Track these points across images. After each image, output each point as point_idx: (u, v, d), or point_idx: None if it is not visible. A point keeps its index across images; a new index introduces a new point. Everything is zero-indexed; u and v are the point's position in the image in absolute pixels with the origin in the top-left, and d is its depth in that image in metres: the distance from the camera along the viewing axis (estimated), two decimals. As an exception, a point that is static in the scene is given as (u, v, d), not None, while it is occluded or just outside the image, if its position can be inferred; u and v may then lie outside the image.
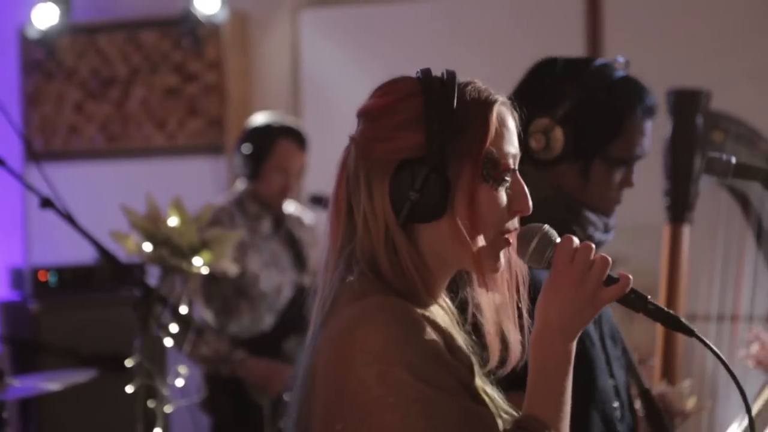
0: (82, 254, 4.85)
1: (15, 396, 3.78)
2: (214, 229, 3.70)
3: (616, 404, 2.31)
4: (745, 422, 2.32)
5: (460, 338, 1.70)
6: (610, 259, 1.64)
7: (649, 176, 3.83)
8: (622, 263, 4.42)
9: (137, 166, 5.83)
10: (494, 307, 1.75)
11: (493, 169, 1.66)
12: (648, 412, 2.51)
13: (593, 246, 1.65)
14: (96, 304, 5.02)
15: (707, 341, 1.66)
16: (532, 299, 1.75)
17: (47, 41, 5.81)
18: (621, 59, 2.51)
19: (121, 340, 3.93)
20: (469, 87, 1.69)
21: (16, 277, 5.18)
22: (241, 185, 4.39)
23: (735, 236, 3.45)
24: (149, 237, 3.29)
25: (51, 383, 3.46)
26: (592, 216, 2.38)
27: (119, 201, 3.48)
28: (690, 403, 2.72)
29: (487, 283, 1.72)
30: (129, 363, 3.20)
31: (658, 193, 3.27)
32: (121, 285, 4.81)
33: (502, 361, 1.75)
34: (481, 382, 1.70)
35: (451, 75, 1.69)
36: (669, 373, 3.12)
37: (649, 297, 1.66)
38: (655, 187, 3.31)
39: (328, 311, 1.67)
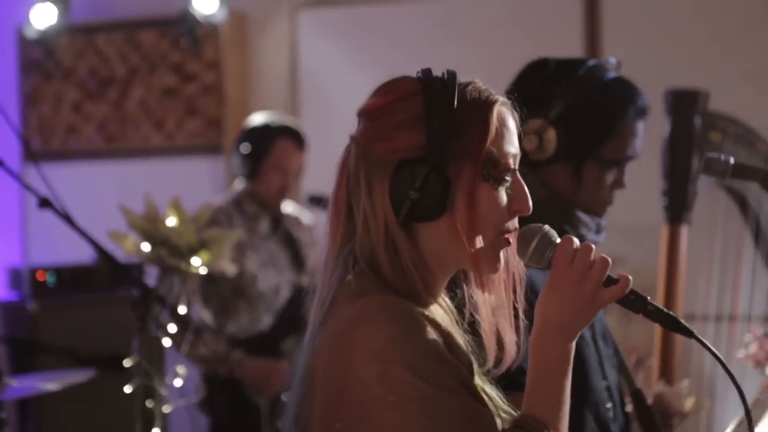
0: (81, 254, 4.85)
1: (13, 396, 3.78)
2: (212, 229, 3.70)
3: (609, 405, 2.32)
4: (741, 421, 2.32)
5: (460, 337, 1.70)
6: (610, 259, 1.65)
7: (647, 176, 3.84)
8: (619, 263, 4.42)
9: (135, 166, 5.83)
10: (491, 307, 1.75)
11: (494, 168, 1.66)
12: (639, 412, 2.52)
13: (593, 247, 1.65)
14: (94, 304, 5.02)
15: (706, 342, 1.66)
16: (528, 300, 1.75)
17: (45, 41, 5.81)
18: (613, 60, 2.52)
19: (119, 340, 3.94)
20: (470, 87, 1.69)
21: (15, 277, 5.18)
22: (239, 185, 4.39)
23: (733, 236, 3.45)
24: (147, 237, 3.29)
25: (49, 383, 3.46)
26: (584, 217, 2.38)
27: (117, 201, 3.48)
28: (688, 403, 2.72)
29: (484, 283, 1.73)
30: (127, 363, 3.20)
31: (656, 193, 3.27)
32: (120, 285, 4.82)
33: (498, 361, 1.76)
34: (480, 381, 1.70)
35: (452, 75, 1.69)
36: (667, 373, 3.12)
37: (648, 298, 1.66)
38: (653, 187, 3.32)
39: (326, 310, 1.67)
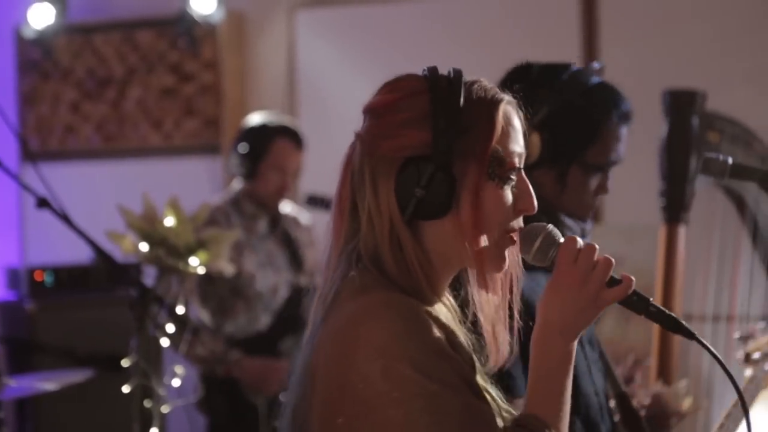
0: (79, 254, 4.85)
1: (11, 396, 3.78)
2: (210, 229, 3.70)
3: (599, 409, 2.32)
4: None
5: (462, 336, 1.70)
6: (613, 260, 1.65)
7: (645, 177, 3.84)
8: (618, 263, 4.41)
9: (133, 166, 5.83)
10: (493, 306, 1.75)
11: (499, 167, 1.66)
12: (624, 415, 2.52)
13: (597, 247, 1.65)
14: (92, 304, 5.02)
15: (708, 345, 1.66)
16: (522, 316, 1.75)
17: (43, 41, 5.81)
18: (597, 65, 2.52)
19: (117, 340, 3.94)
20: (476, 85, 1.69)
21: (13, 277, 5.18)
22: (237, 185, 4.39)
23: (731, 236, 3.45)
24: (145, 237, 3.29)
25: (47, 383, 3.46)
26: (569, 221, 2.38)
27: (115, 201, 3.48)
28: (686, 403, 2.73)
29: (488, 282, 1.72)
30: (125, 363, 3.20)
31: (654, 193, 3.27)
32: (118, 285, 4.82)
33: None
34: (482, 380, 1.70)
35: (458, 73, 1.69)
36: (665, 373, 3.12)
37: (651, 299, 1.66)
38: (651, 187, 3.32)
39: (329, 306, 1.68)
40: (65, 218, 3.19)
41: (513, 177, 1.69)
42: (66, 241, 3.99)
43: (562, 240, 1.68)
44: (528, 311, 1.75)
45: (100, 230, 3.37)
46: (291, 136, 4.36)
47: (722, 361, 1.68)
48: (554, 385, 1.65)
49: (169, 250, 3.28)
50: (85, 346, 4.71)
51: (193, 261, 3.29)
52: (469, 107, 1.66)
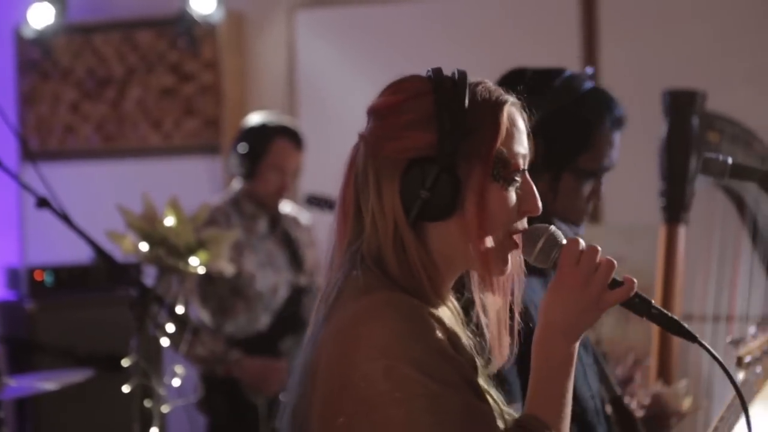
0: (78, 254, 4.85)
1: (11, 396, 3.78)
2: (210, 229, 3.70)
3: (594, 413, 2.32)
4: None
5: (464, 338, 1.70)
6: (615, 262, 1.65)
7: (645, 177, 3.84)
8: (617, 263, 4.41)
9: (133, 166, 5.83)
10: (496, 308, 1.75)
11: (504, 169, 1.66)
12: (619, 418, 2.52)
13: (599, 249, 1.65)
14: (92, 303, 5.02)
15: (710, 348, 1.66)
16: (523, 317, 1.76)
17: (43, 41, 5.81)
18: (589, 70, 2.51)
19: (117, 339, 3.93)
20: (480, 87, 1.69)
21: (12, 277, 5.18)
22: (237, 185, 4.39)
23: (730, 236, 3.46)
24: (146, 237, 3.29)
25: (47, 383, 3.46)
26: (562, 226, 2.38)
27: (115, 201, 3.48)
28: (686, 403, 2.73)
29: (494, 285, 1.72)
30: (125, 363, 3.20)
31: (654, 193, 3.28)
32: (118, 285, 4.81)
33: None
34: (483, 383, 1.70)
35: (463, 75, 1.69)
36: (665, 373, 3.13)
37: (653, 301, 1.66)
38: (651, 187, 3.32)
39: (331, 305, 1.67)
40: (65, 218, 3.19)
41: (517, 178, 1.68)
42: (66, 241, 3.99)
43: (564, 241, 1.68)
44: (522, 315, 1.75)
45: (99, 230, 3.37)
46: (290, 136, 4.36)
47: (723, 363, 1.68)
48: (556, 387, 1.65)
49: (169, 250, 3.28)
50: (85, 346, 4.71)
51: (193, 261, 3.29)
52: (473, 109, 1.66)
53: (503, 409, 1.71)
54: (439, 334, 1.61)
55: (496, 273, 1.69)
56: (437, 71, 1.70)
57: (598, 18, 5.17)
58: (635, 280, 1.65)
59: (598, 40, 5.16)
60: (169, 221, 3.30)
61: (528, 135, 1.72)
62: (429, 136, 1.65)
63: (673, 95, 3.25)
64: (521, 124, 1.71)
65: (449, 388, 1.57)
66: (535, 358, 1.66)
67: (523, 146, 1.70)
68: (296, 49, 5.67)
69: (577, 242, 1.66)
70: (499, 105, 1.68)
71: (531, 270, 1.76)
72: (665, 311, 1.67)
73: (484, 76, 1.76)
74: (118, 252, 3.35)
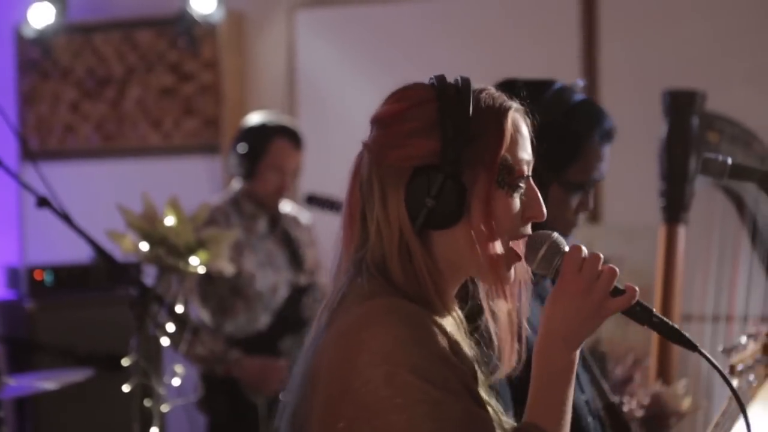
0: (78, 253, 4.86)
1: (11, 395, 3.78)
2: (209, 228, 3.70)
3: (589, 419, 2.32)
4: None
5: (467, 347, 1.70)
6: (617, 270, 1.65)
7: (644, 177, 3.84)
8: (618, 264, 4.42)
9: (133, 165, 5.83)
10: (505, 314, 1.74)
11: (508, 175, 1.66)
12: (613, 423, 2.52)
13: (602, 256, 1.65)
14: (92, 303, 5.02)
15: (710, 357, 1.67)
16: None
17: (43, 40, 5.81)
18: (580, 82, 2.51)
19: (117, 339, 3.93)
20: (484, 94, 1.69)
21: (12, 276, 5.18)
22: (236, 185, 4.39)
23: (730, 237, 3.46)
24: (146, 236, 3.29)
25: (47, 382, 3.46)
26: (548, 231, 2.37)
27: (115, 200, 3.48)
28: (685, 403, 2.73)
29: (503, 291, 1.72)
30: (125, 362, 3.20)
31: (654, 193, 3.28)
32: (118, 284, 4.82)
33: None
34: (484, 393, 1.70)
35: (466, 82, 1.69)
36: (664, 373, 3.13)
37: (654, 310, 1.67)
38: (651, 187, 3.33)
39: (334, 310, 1.67)
40: (65, 217, 3.19)
41: (522, 185, 1.68)
42: (66, 241, 3.99)
43: (567, 248, 1.67)
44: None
45: (99, 229, 3.37)
46: (290, 136, 4.36)
47: (722, 371, 1.68)
48: (556, 394, 1.65)
49: (169, 250, 3.28)
50: (85, 346, 4.71)
51: (193, 260, 3.29)
52: (477, 116, 1.66)
53: (502, 419, 1.71)
54: (441, 341, 1.61)
55: (502, 279, 1.69)
56: (440, 78, 1.70)
57: (598, 18, 5.18)
58: (637, 289, 1.65)
59: (598, 40, 5.16)
60: (169, 221, 3.30)
61: (531, 141, 1.72)
62: (433, 143, 1.65)
63: (672, 95, 3.26)
64: (525, 130, 1.71)
65: (450, 395, 1.57)
66: (536, 366, 1.66)
67: (527, 152, 1.70)
68: (296, 49, 5.67)
69: (580, 249, 1.66)
70: (503, 111, 1.68)
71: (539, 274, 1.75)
72: (666, 320, 1.67)
73: (484, 75, 1.77)
74: (118, 251, 3.35)
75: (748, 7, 4.99)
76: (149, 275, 4.21)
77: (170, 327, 3.29)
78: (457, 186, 1.63)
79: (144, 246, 3.28)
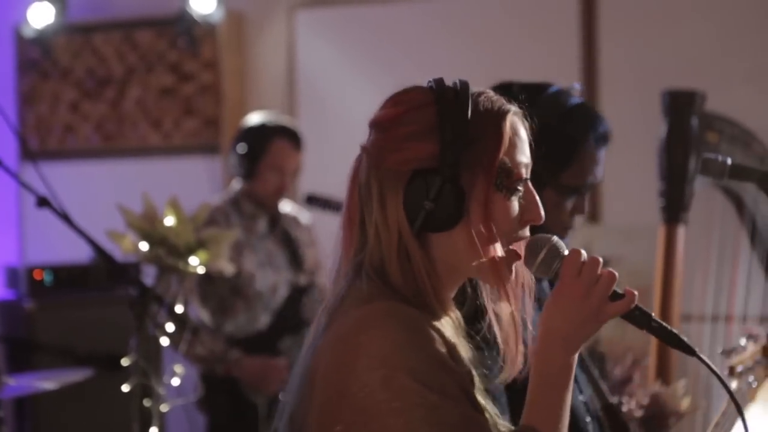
0: (78, 253, 4.85)
1: (10, 395, 3.78)
2: (209, 228, 3.70)
3: (587, 419, 2.32)
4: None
5: (464, 350, 1.70)
6: (617, 274, 1.65)
7: (644, 177, 3.84)
8: (617, 264, 4.44)
9: (133, 165, 5.83)
10: (508, 317, 1.74)
11: (507, 178, 1.66)
12: (612, 424, 2.52)
13: (601, 260, 1.65)
14: (92, 303, 5.02)
15: (708, 361, 1.67)
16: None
17: (43, 40, 5.81)
18: (577, 85, 2.50)
19: (116, 339, 3.94)
20: (482, 97, 1.69)
21: (12, 276, 5.18)
22: (236, 185, 4.39)
23: (729, 237, 3.46)
24: (145, 236, 3.29)
25: (46, 382, 3.46)
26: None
27: (115, 200, 3.48)
28: (684, 403, 2.73)
29: (508, 293, 1.72)
30: (125, 362, 3.20)
31: (653, 193, 3.28)
32: (117, 284, 4.81)
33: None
34: (480, 397, 1.70)
35: (465, 85, 1.69)
36: (663, 373, 3.13)
37: (653, 314, 1.67)
38: (650, 187, 3.33)
39: (333, 312, 1.68)
40: (65, 217, 3.19)
41: (520, 188, 1.69)
42: (65, 240, 3.99)
43: (566, 252, 1.68)
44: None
45: (99, 229, 3.37)
46: (289, 136, 4.37)
47: (720, 375, 1.68)
48: (553, 397, 1.65)
49: (168, 250, 3.28)
50: (85, 346, 4.71)
51: (193, 260, 3.29)
52: (476, 119, 1.66)
53: (498, 422, 1.71)
54: (439, 345, 1.62)
55: (501, 281, 1.69)
56: (439, 82, 1.71)
57: (597, 18, 5.18)
58: (636, 293, 1.65)
59: (598, 39, 5.17)
60: (169, 221, 3.30)
61: (530, 144, 1.72)
62: (431, 147, 1.65)
63: (672, 95, 3.26)
64: (523, 134, 1.71)
65: (448, 399, 1.57)
66: (534, 369, 1.66)
67: (525, 155, 1.70)
68: (296, 49, 5.67)
69: (579, 253, 1.66)
70: (502, 115, 1.68)
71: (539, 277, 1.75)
72: (665, 324, 1.67)
73: (484, 75, 1.77)
74: (118, 251, 3.35)
75: (748, 7, 4.99)
76: (149, 275, 4.21)
77: (170, 327, 3.29)
78: (456, 189, 1.64)
79: (144, 246, 3.29)
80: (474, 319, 1.77)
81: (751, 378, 2.44)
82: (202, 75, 5.73)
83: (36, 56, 5.88)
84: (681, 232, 3.23)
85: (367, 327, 1.60)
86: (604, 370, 2.76)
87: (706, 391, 3.57)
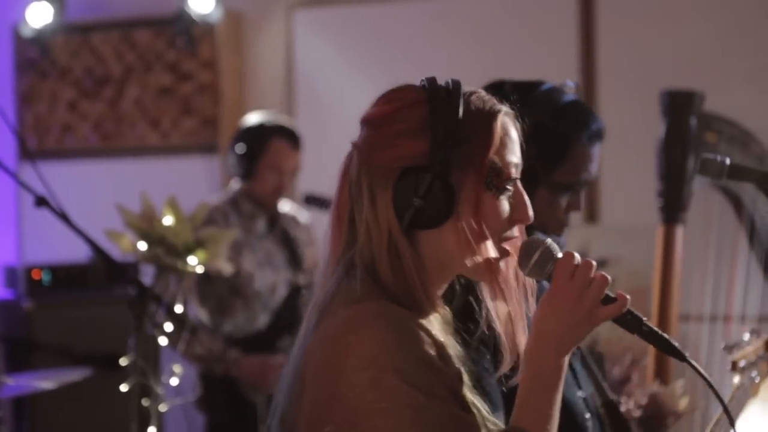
0: (76, 253, 4.85)
1: (9, 395, 3.78)
2: (208, 228, 3.70)
3: (587, 415, 2.32)
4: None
5: (452, 349, 1.70)
6: (609, 278, 1.65)
7: (642, 177, 3.84)
8: (615, 264, 4.44)
9: (131, 165, 5.83)
10: (505, 314, 1.75)
11: (496, 178, 1.67)
12: (612, 422, 2.52)
13: (594, 263, 1.66)
14: (90, 302, 5.02)
15: (699, 368, 1.67)
16: None
17: (41, 40, 5.81)
18: (571, 83, 2.50)
19: (115, 338, 3.94)
20: (474, 96, 1.70)
21: (10, 276, 5.17)
22: (235, 185, 4.39)
23: (728, 237, 3.47)
24: (144, 236, 3.29)
25: (45, 382, 3.46)
26: (542, 237, 2.36)
27: (113, 200, 3.48)
28: (683, 403, 2.73)
29: (503, 291, 1.72)
30: (123, 362, 3.20)
31: (652, 193, 3.28)
32: (116, 284, 4.81)
33: (515, 368, 1.76)
34: (469, 394, 1.70)
35: (457, 84, 1.70)
36: (662, 373, 3.13)
37: (644, 319, 1.67)
38: (649, 187, 3.33)
39: (323, 310, 1.68)
40: (63, 217, 3.18)
41: (509, 187, 1.69)
42: (64, 240, 3.99)
43: (560, 255, 1.68)
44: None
45: (98, 229, 3.37)
46: (288, 136, 4.37)
47: (712, 383, 1.68)
48: (543, 399, 1.65)
49: (167, 249, 3.28)
50: (83, 345, 4.71)
51: (192, 260, 3.29)
52: (467, 118, 1.67)
53: (487, 418, 1.70)
54: (427, 345, 1.62)
55: (489, 279, 1.70)
56: (431, 80, 1.71)
57: (596, 17, 5.18)
58: (628, 297, 1.65)
59: (596, 39, 5.17)
60: (168, 220, 3.30)
61: (520, 144, 1.73)
62: (422, 144, 1.66)
63: (671, 95, 3.26)
64: (514, 134, 1.72)
65: (436, 399, 1.57)
66: (525, 370, 1.67)
67: (515, 155, 1.71)
68: (294, 48, 5.67)
69: (572, 256, 1.66)
70: (493, 114, 1.69)
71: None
72: (656, 329, 1.68)
73: (482, 74, 1.77)
74: (117, 251, 3.35)
75: (748, 7, 4.99)
76: (147, 275, 4.21)
77: (168, 326, 3.29)
78: (445, 186, 1.64)
79: (142, 245, 3.29)
80: (463, 315, 1.77)
81: (754, 373, 2.44)
82: (200, 75, 5.73)
83: (34, 56, 5.88)
84: (679, 232, 3.23)
85: (356, 327, 1.60)
86: (602, 370, 2.76)
87: (705, 392, 3.57)
